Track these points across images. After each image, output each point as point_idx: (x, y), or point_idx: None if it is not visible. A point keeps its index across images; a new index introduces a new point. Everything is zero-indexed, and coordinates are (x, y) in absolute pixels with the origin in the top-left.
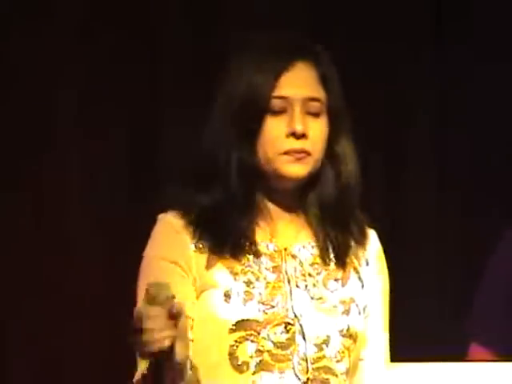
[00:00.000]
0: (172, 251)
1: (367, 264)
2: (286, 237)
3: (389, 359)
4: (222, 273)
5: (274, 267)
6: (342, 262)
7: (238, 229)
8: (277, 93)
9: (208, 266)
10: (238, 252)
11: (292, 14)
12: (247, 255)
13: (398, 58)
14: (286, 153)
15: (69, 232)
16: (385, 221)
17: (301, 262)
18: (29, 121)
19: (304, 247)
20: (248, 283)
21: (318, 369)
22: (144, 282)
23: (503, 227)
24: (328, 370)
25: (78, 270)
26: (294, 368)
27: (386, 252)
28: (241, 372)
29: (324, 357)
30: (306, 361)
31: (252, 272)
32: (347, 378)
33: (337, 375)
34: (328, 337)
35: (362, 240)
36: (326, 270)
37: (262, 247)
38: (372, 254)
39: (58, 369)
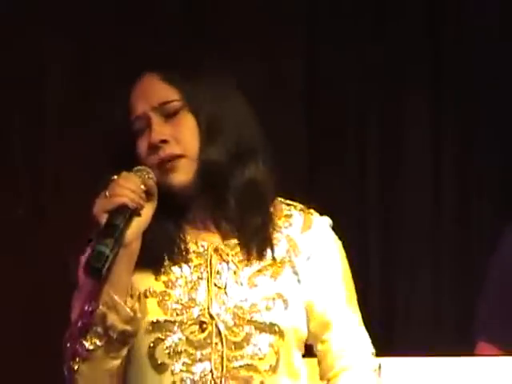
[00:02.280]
0: None
1: (310, 255)
2: (211, 236)
3: (364, 332)
4: (144, 272)
5: (197, 266)
6: (273, 257)
7: (164, 232)
8: (133, 115)
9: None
10: (162, 254)
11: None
12: (173, 256)
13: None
14: (158, 165)
15: None
16: (380, 220)
17: (227, 261)
18: None
19: (230, 246)
20: (167, 283)
21: (239, 367)
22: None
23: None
24: (249, 367)
25: None
26: (211, 369)
27: (385, 249)
28: (160, 372)
29: (244, 355)
30: (223, 361)
31: (174, 272)
32: (274, 374)
33: (260, 372)
34: (248, 334)
35: (301, 230)
36: (254, 266)
37: (188, 247)
38: (316, 241)
39: None
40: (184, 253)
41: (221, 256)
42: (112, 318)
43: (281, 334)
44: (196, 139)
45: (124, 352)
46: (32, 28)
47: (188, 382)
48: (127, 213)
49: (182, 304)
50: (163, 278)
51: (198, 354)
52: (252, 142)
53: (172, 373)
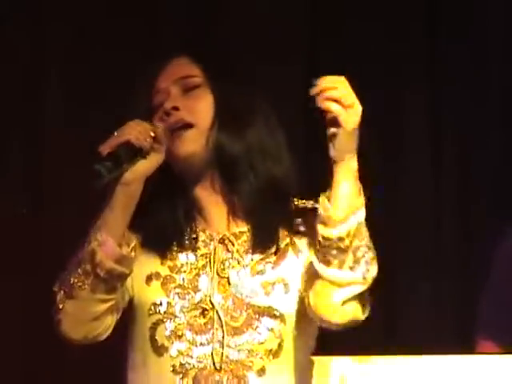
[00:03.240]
0: None
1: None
2: (218, 224)
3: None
4: (150, 256)
5: (203, 255)
6: (277, 245)
7: (175, 219)
8: (155, 90)
9: (142, 245)
10: (171, 241)
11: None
12: (181, 243)
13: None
14: (167, 132)
15: None
16: (381, 220)
17: (232, 251)
18: None
19: (237, 235)
20: (173, 267)
21: (239, 351)
22: None
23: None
24: (249, 352)
25: None
26: (212, 353)
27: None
28: (159, 355)
29: (244, 340)
30: (223, 346)
31: (180, 259)
32: (276, 359)
33: (261, 357)
34: (247, 319)
35: (308, 217)
36: (258, 255)
37: (197, 235)
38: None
39: None
40: (193, 241)
41: (226, 246)
42: (101, 255)
43: (282, 318)
44: (210, 115)
45: (111, 297)
46: (33, 28)
47: (187, 366)
48: (131, 150)
49: (185, 289)
50: (169, 262)
51: (198, 339)
52: (275, 139)
53: (171, 356)
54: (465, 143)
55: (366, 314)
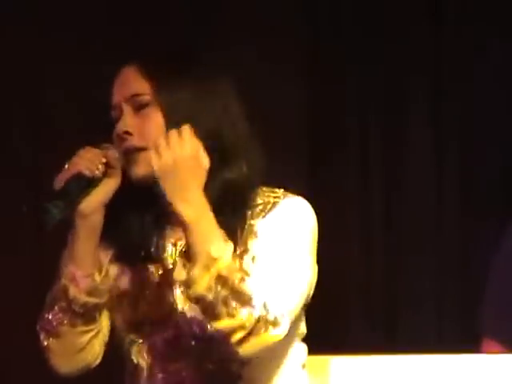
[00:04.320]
0: None
1: (261, 235)
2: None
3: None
4: (120, 268)
5: (166, 266)
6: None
7: (141, 230)
8: (111, 103)
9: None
10: (139, 251)
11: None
12: (149, 254)
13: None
14: (123, 155)
15: None
16: (383, 219)
17: (167, 262)
18: None
19: (170, 245)
20: (140, 283)
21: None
22: None
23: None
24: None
25: None
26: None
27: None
28: (138, 372)
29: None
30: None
31: (148, 270)
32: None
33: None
34: None
35: (264, 214)
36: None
37: (164, 245)
38: (271, 221)
39: None
40: (159, 252)
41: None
42: (73, 291)
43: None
44: (161, 134)
45: (92, 327)
46: (32, 28)
47: (160, 376)
48: (83, 180)
49: (151, 305)
50: (136, 276)
51: (172, 353)
52: (233, 142)
53: (149, 372)
54: (466, 143)
55: None
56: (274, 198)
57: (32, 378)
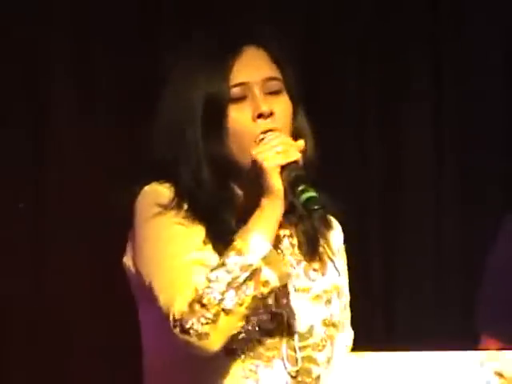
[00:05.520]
0: (178, 216)
1: (338, 252)
2: (286, 227)
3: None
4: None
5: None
6: (316, 252)
7: (227, 225)
8: (234, 81)
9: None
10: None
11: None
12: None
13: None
14: (261, 140)
15: None
16: (381, 219)
17: (283, 254)
18: None
19: (284, 238)
20: None
21: (302, 358)
22: (167, 246)
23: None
24: (310, 359)
25: None
26: (283, 358)
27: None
28: (232, 357)
29: (308, 346)
30: (295, 351)
31: None
32: (328, 367)
33: (318, 364)
34: (312, 326)
35: (329, 228)
36: (304, 260)
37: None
38: (339, 242)
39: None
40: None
41: (278, 249)
42: (265, 274)
43: (337, 326)
44: (290, 122)
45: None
46: (33, 28)
47: (255, 368)
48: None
49: None
50: None
51: (269, 343)
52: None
53: (242, 360)
54: (466, 142)
55: None
56: None
57: (32, 378)
